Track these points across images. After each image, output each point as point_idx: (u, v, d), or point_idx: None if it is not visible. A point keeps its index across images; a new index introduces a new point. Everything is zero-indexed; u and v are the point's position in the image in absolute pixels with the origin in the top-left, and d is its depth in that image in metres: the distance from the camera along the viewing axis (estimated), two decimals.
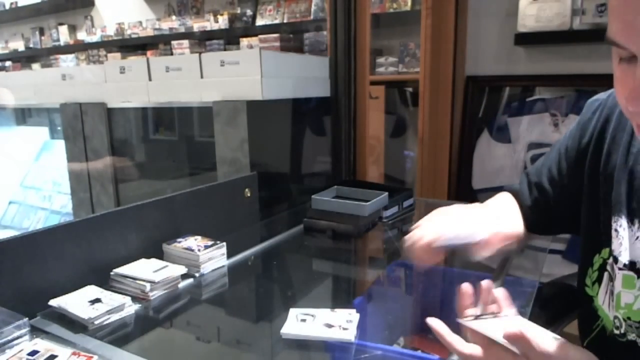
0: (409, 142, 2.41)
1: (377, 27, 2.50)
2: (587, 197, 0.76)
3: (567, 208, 0.82)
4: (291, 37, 2.88)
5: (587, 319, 0.75)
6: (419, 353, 0.72)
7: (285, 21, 2.97)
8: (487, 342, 0.57)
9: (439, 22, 1.82)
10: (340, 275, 1.17)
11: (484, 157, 1.94)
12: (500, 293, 0.66)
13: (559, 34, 1.70)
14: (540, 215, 0.87)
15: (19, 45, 4.67)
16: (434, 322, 0.62)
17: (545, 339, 0.53)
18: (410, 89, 2.37)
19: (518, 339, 0.53)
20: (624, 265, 0.66)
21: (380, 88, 2.24)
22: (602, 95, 0.79)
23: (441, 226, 0.78)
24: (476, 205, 0.90)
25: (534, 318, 1.10)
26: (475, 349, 0.58)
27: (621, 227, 0.67)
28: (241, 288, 1.06)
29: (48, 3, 4.18)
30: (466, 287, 0.66)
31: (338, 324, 0.76)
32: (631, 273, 0.65)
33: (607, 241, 0.70)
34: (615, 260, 0.67)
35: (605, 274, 0.70)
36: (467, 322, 0.61)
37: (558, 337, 0.56)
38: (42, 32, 4.50)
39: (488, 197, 0.93)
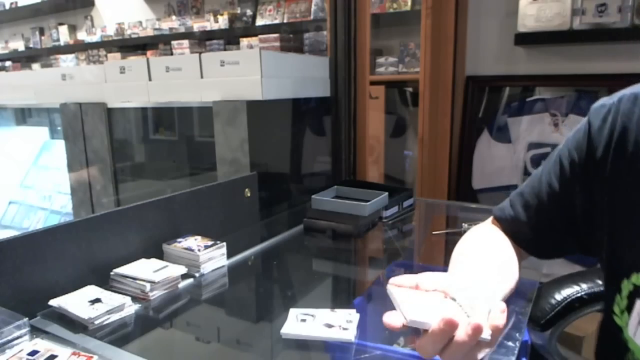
0: (409, 142, 2.41)
1: (377, 27, 2.50)
2: (610, 216, 0.68)
3: (576, 227, 0.73)
4: (291, 37, 2.88)
5: (612, 349, 0.68)
6: (419, 353, 0.72)
7: (285, 21, 2.97)
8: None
9: (439, 22, 1.81)
10: (340, 275, 1.17)
11: (484, 157, 1.94)
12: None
13: (559, 34, 1.70)
14: (544, 239, 0.78)
15: (19, 45, 4.68)
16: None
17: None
18: (410, 89, 2.37)
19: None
20: None
21: (380, 88, 2.24)
22: (608, 100, 0.70)
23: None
24: (468, 260, 0.73)
25: (534, 318, 1.10)
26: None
27: None
28: (241, 288, 1.06)
29: (48, 3, 4.18)
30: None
31: (338, 324, 0.76)
32: None
33: (638, 265, 0.63)
34: None
35: (638, 302, 0.63)
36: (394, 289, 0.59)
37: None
38: (42, 32, 4.50)
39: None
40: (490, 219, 0.87)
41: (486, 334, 0.50)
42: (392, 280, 0.60)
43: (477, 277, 0.66)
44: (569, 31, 1.68)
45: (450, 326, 0.49)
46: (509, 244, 0.79)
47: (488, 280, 0.66)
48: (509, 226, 0.82)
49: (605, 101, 0.70)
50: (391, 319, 0.52)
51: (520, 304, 0.88)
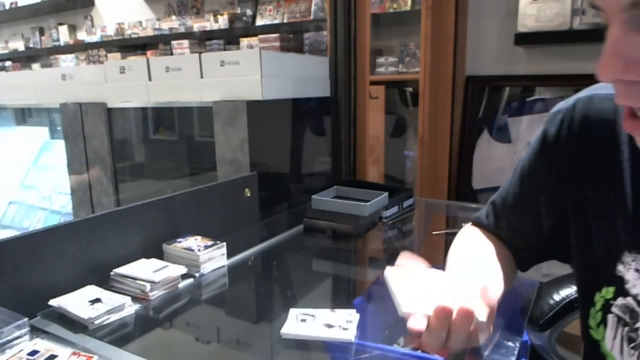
0: (409, 142, 2.41)
1: (377, 27, 2.50)
2: (577, 229, 0.65)
3: (546, 240, 0.71)
4: (291, 37, 2.88)
5: None
6: (419, 353, 0.72)
7: (285, 21, 2.96)
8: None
9: (439, 22, 1.82)
10: (340, 275, 1.17)
11: (484, 157, 1.94)
12: None
13: (559, 34, 1.70)
14: (517, 251, 0.75)
15: (19, 45, 4.67)
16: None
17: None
18: (410, 89, 2.37)
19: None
20: None
21: (380, 88, 2.24)
22: (564, 105, 0.66)
23: None
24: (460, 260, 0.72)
25: (532, 318, 1.10)
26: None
27: None
28: (241, 288, 1.06)
29: (48, 3, 4.18)
30: None
31: (338, 324, 0.76)
32: None
33: (608, 279, 0.60)
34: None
35: (611, 317, 0.60)
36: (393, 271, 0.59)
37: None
38: (42, 32, 4.50)
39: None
40: (469, 224, 0.84)
41: (481, 316, 0.51)
42: (389, 269, 0.60)
43: (472, 270, 0.66)
44: (569, 31, 1.68)
45: (445, 313, 0.50)
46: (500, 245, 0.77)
47: (482, 273, 0.66)
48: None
49: (560, 106, 0.66)
50: (414, 323, 0.52)
51: (520, 304, 0.88)
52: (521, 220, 0.73)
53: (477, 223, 0.81)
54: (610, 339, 0.61)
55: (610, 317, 0.60)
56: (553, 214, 0.68)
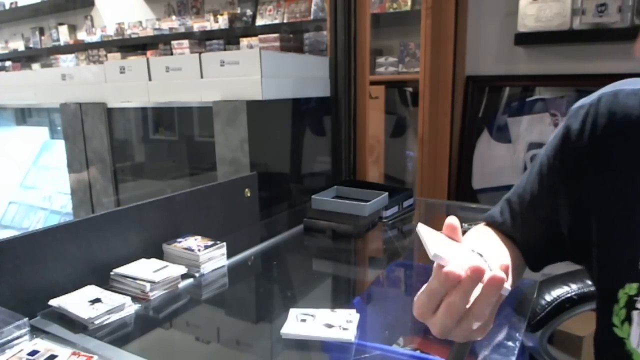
0: (409, 142, 2.40)
1: (377, 27, 2.50)
2: (599, 225, 0.63)
3: (562, 238, 0.69)
4: (291, 37, 2.88)
5: None
6: (418, 353, 0.72)
7: (285, 21, 2.96)
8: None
9: (439, 22, 1.82)
10: (340, 275, 1.17)
11: (484, 157, 1.94)
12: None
13: (559, 34, 1.70)
14: (531, 251, 0.74)
15: (19, 45, 4.68)
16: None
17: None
18: (410, 89, 2.37)
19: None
20: None
21: (380, 88, 2.24)
22: (586, 100, 0.65)
23: None
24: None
25: (532, 316, 1.10)
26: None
27: None
28: (241, 288, 1.06)
29: (48, 3, 4.18)
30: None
31: (338, 324, 0.76)
32: None
33: (631, 275, 0.60)
34: None
35: (636, 313, 0.60)
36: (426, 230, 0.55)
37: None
38: (42, 32, 4.50)
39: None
40: (482, 224, 0.81)
41: (507, 286, 0.49)
42: (421, 224, 0.57)
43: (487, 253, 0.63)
44: (569, 31, 1.68)
45: (478, 274, 0.47)
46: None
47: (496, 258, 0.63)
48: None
49: (583, 102, 0.65)
50: (453, 267, 0.48)
51: (520, 302, 0.88)
52: (538, 218, 0.71)
53: (490, 223, 0.78)
54: (637, 336, 0.60)
55: (635, 313, 0.60)
56: (573, 211, 0.67)
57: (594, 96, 0.64)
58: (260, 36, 2.96)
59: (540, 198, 0.70)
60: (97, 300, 0.84)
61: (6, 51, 4.76)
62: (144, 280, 0.90)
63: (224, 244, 1.07)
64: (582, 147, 0.63)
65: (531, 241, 0.73)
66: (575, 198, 0.66)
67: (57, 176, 2.25)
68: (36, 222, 2.25)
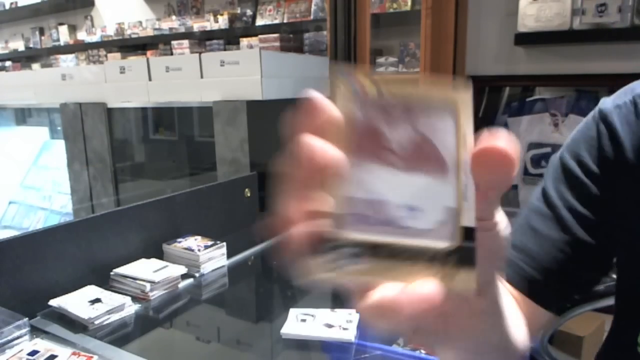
0: None
1: (377, 27, 2.50)
2: (629, 234, 0.57)
3: (581, 257, 0.59)
4: (291, 37, 2.88)
5: None
6: (419, 353, 0.72)
7: (285, 21, 2.96)
8: None
9: (439, 22, 1.82)
10: None
11: None
12: None
13: (559, 34, 1.70)
14: (554, 284, 0.62)
15: (19, 45, 4.68)
16: None
17: None
18: None
19: None
20: None
21: None
22: (618, 99, 0.59)
23: None
24: None
25: None
26: None
27: None
28: (241, 288, 1.06)
29: (48, 3, 4.18)
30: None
31: (338, 324, 0.76)
32: None
33: None
34: None
35: None
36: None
37: None
38: (42, 32, 4.50)
39: None
40: None
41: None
42: None
43: None
44: (569, 31, 1.68)
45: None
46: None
47: None
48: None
49: (616, 101, 0.59)
50: None
51: None
52: (563, 242, 0.59)
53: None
54: None
55: None
56: (601, 221, 0.58)
57: (626, 96, 0.58)
58: (260, 36, 2.96)
59: (555, 209, 0.59)
60: (97, 300, 0.84)
61: (6, 51, 4.76)
62: (144, 280, 0.90)
63: (224, 244, 1.07)
64: (627, 147, 0.56)
65: (552, 271, 0.60)
66: (605, 203, 0.57)
67: (57, 176, 2.25)
68: (36, 222, 2.25)
